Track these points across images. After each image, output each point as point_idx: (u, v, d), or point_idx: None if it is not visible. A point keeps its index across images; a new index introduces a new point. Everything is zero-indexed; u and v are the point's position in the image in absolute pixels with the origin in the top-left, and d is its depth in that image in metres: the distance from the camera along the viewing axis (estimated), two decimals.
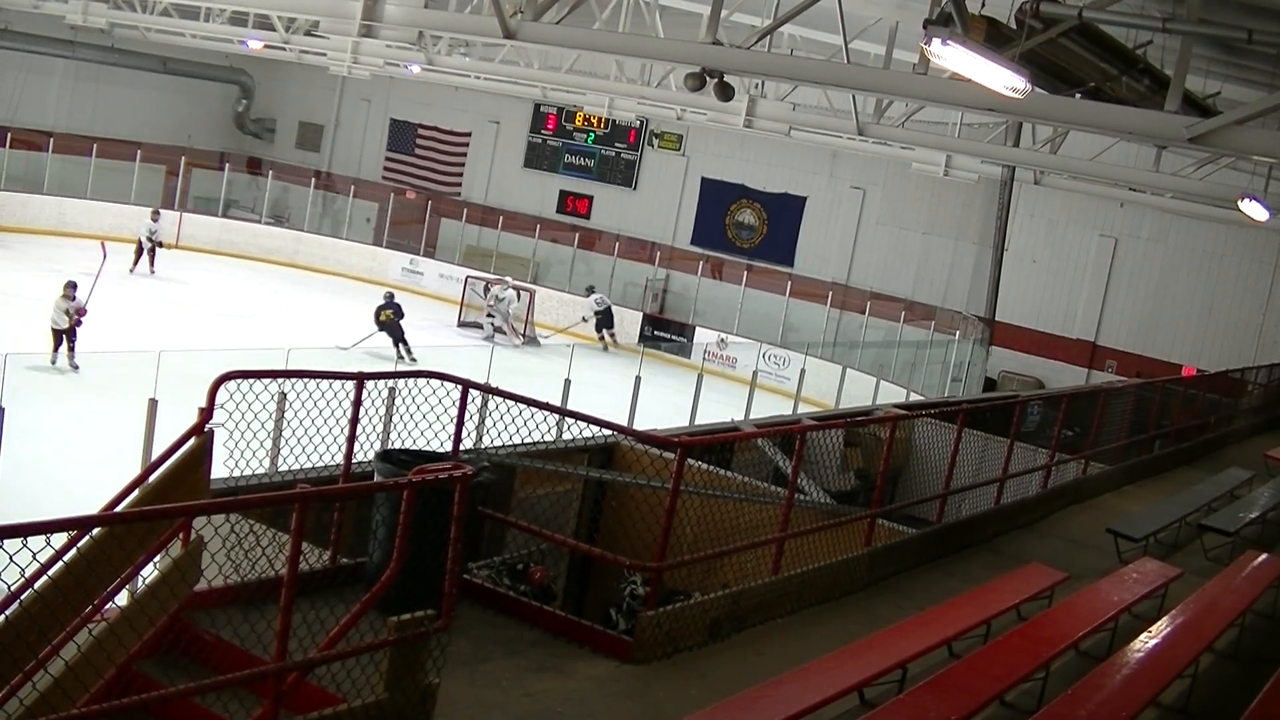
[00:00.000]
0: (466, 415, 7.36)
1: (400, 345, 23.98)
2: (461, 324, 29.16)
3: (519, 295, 29.05)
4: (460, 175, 36.70)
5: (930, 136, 20.35)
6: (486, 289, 29.17)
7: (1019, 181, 26.38)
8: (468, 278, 30.42)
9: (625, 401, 17.04)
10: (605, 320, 29.20)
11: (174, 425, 6.36)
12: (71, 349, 18.94)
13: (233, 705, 5.02)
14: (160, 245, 28.87)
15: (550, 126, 35.17)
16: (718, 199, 32.79)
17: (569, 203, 34.99)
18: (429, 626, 5.06)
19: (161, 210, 29.90)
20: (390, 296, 24.99)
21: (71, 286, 19.49)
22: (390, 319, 24.18)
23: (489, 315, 28.32)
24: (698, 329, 29.78)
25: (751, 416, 18.16)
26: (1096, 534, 11.38)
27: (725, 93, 12.70)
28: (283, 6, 19.36)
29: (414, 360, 23.20)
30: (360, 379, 6.73)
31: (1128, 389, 15.83)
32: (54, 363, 18.73)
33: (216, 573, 5.52)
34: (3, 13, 29.17)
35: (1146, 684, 6.68)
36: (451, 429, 7.34)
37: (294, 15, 22.72)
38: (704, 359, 25.83)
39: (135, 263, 28.08)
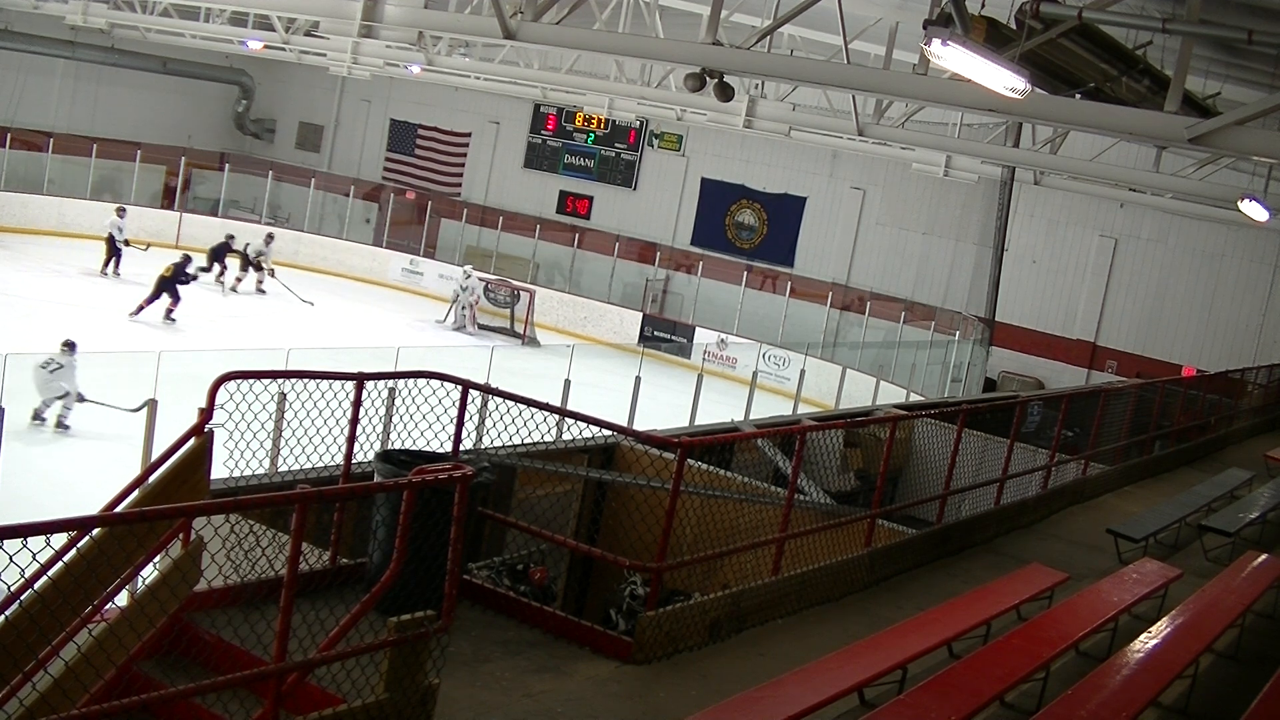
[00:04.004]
0: (466, 415, 7.36)
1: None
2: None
3: (509, 293, 29.36)
4: (460, 176, 36.70)
5: (930, 137, 20.35)
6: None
7: (1019, 182, 26.39)
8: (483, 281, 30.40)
9: (625, 402, 17.03)
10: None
11: (174, 425, 6.36)
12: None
13: (233, 706, 5.03)
14: (127, 244, 27.36)
15: (550, 127, 35.18)
16: (718, 199, 32.79)
17: (569, 203, 35.00)
18: (429, 627, 5.06)
19: (126, 207, 28.73)
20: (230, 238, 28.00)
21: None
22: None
23: (456, 300, 28.71)
24: (697, 329, 29.77)
25: (751, 417, 18.16)
26: (1097, 534, 11.38)
27: (725, 93, 12.69)
28: (283, 7, 19.37)
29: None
30: (360, 379, 6.73)
31: (1128, 389, 15.82)
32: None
33: (216, 573, 5.52)
34: (3, 13, 29.18)
35: (1147, 684, 6.68)
36: (451, 429, 7.34)
37: (294, 15, 22.71)
38: (704, 359, 25.84)
39: (106, 264, 26.85)
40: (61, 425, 15.26)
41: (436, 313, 29.78)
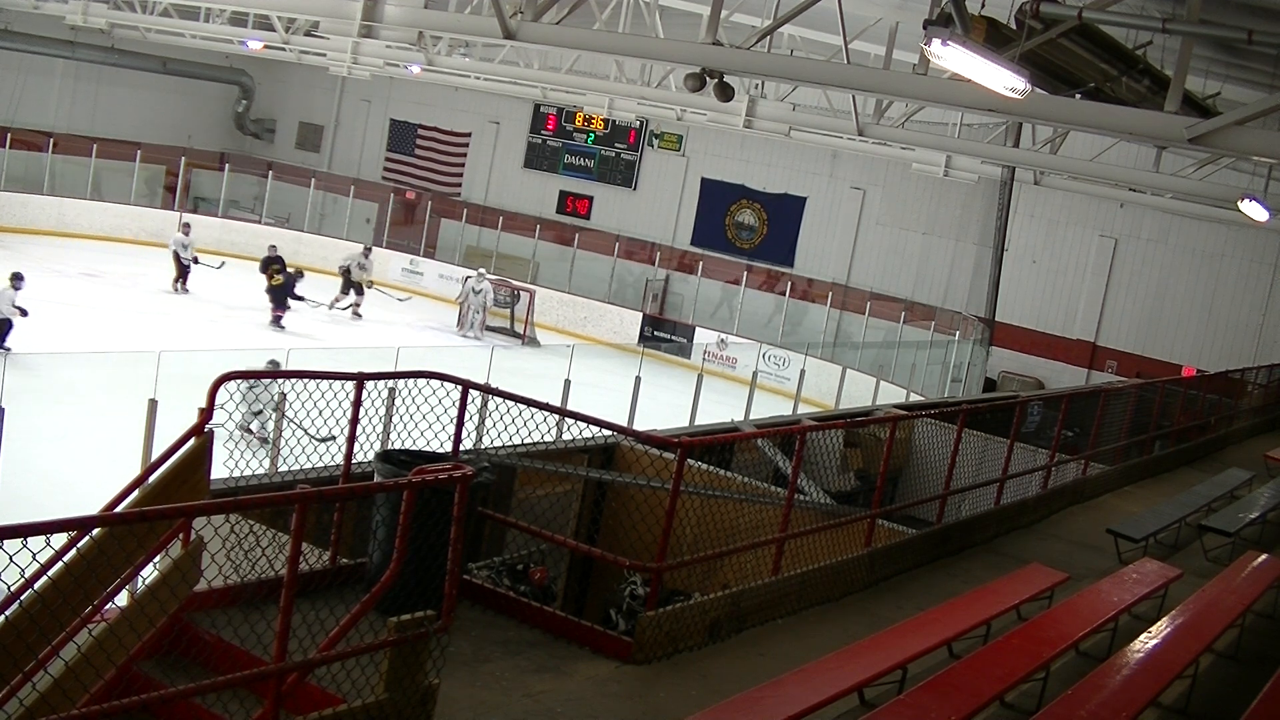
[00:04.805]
0: (466, 415, 7.36)
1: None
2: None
3: (509, 293, 29.19)
4: (460, 176, 36.71)
5: (930, 137, 20.35)
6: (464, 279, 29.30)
7: (1019, 182, 26.39)
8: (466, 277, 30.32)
9: (625, 402, 17.03)
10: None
11: (174, 425, 6.36)
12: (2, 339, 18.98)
13: (233, 706, 5.03)
14: (195, 260, 26.74)
15: (550, 127, 35.18)
16: (718, 199, 32.80)
17: (569, 203, 35.00)
18: (429, 627, 5.06)
19: (190, 222, 28.34)
20: (273, 249, 26.41)
21: (17, 278, 19.48)
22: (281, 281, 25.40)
23: (466, 303, 28.53)
24: (697, 329, 29.78)
25: (751, 417, 18.15)
26: (1097, 534, 11.38)
27: (725, 93, 12.69)
28: (283, 7, 19.37)
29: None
30: (360, 379, 6.73)
31: (1128, 389, 15.82)
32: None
33: (216, 573, 5.52)
34: (3, 13, 29.19)
35: (1146, 684, 6.68)
36: (451, 429, 7.34)
37: (294, 15, 22.71)
38: (704, 359, 25.83)
39: (176, 280, 26.56)
40: (265, 441, 14.83)
41: (436, 313, 29.77)
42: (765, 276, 31.70)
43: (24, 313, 19.16)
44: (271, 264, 26.08)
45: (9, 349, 18.40)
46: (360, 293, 27.36)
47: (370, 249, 29.01)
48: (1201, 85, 13.96)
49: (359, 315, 27.17)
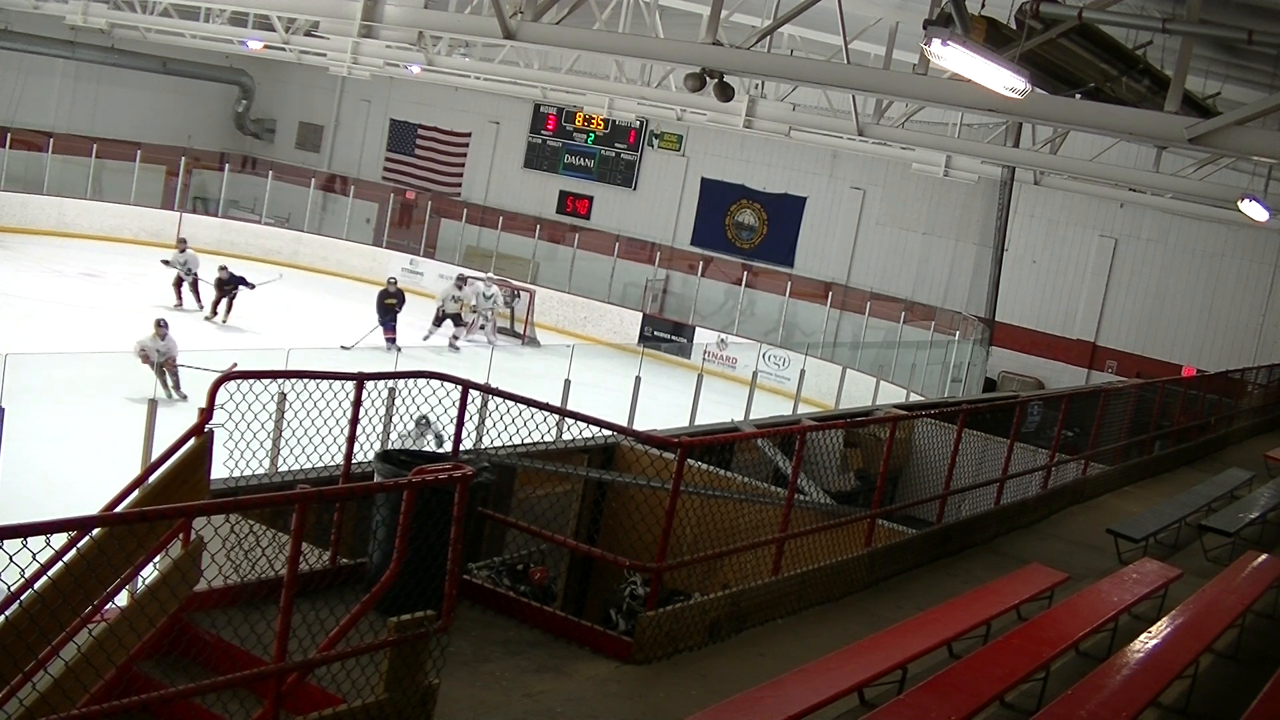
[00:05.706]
0: (466, 416, 7.36)
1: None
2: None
3: (509, 293, 29.09)
4: (460, 176, 36.71)
5: (930, 137, 20.35)
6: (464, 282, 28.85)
7: (1019, 182, 26.40)
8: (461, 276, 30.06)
9: (625, 402, 17.04)
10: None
11: (174, 425, 6.36)
12: (176, 384, 17.28)
13: (233, 706, 5.03)
14: (196, 277, 25.22)
15: (550, 127, 35.19)
16: (718, 199, 32.80)
17: (569, 203, 35.01)
18: (429, 627, 5.06)
19: (185, 237, 27.02)
20: (393, 282, 25.90)
21: (162, 325, 17.93)
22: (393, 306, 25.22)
23: (473, 310, 28.17)
24: (697, 329, 29.78)
25: (751, 417, 18.17)
26: (1097, 534, 11.38)
27: (725, 93, 12.69)
28: (283, 7, 19.37)
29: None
30: (360, 379, 6.73)
31: (1128, 389, 15.82)
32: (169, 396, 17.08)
33: (216, 573, 5.52)
34: (3, 13, 29.19)
35: (1146, 684, 6.68)
36: (451, 429, 7.34)
37: (294, 15, 22.72)
38: (704, 359, 25.84)
39: (178, 302, 24.98)
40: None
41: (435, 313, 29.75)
42: (765, 276, 31.70)
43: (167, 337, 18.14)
44: (224, 285, 24.75)
45: (185, 395, 16.70)
46: (460, 323, 26.63)
47: (464, 280, 27.36)
48: (1201, 85, 13.96)
49: (456, 348, 25.85)
